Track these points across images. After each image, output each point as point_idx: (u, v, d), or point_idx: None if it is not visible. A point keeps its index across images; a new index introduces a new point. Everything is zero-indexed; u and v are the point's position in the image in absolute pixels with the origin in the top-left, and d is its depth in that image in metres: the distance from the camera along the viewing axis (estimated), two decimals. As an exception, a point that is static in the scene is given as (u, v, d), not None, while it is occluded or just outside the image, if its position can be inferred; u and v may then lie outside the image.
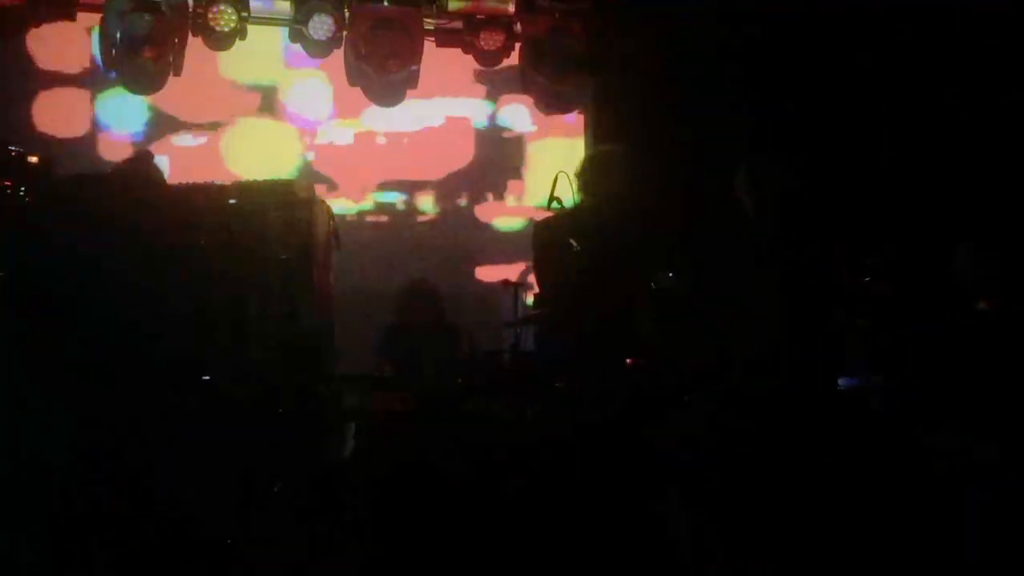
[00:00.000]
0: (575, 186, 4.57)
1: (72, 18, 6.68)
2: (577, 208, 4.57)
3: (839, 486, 3.11)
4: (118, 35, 6.35)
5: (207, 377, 4.04)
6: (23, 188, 4.29)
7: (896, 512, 3.25)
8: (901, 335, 4.00)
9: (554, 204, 5.62)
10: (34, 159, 4.45)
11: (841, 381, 4.33)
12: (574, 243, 4.36)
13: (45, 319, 3.64)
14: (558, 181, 5.69)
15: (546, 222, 4.79)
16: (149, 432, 3.79)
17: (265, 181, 4.97)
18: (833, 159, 6.12)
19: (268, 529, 4.01)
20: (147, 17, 6.29)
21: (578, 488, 3.75)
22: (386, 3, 6.75)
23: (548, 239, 4.57)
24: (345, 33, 6.80)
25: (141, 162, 3.92)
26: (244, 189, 4.88)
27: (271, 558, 3.92)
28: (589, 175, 4.53)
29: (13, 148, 4.41)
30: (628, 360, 4.11)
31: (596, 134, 7.45)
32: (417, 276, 6.50)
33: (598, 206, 4.45)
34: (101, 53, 6.63)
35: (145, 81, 6.67)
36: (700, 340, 3.72)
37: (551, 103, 7.45)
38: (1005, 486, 3.34)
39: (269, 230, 4.76)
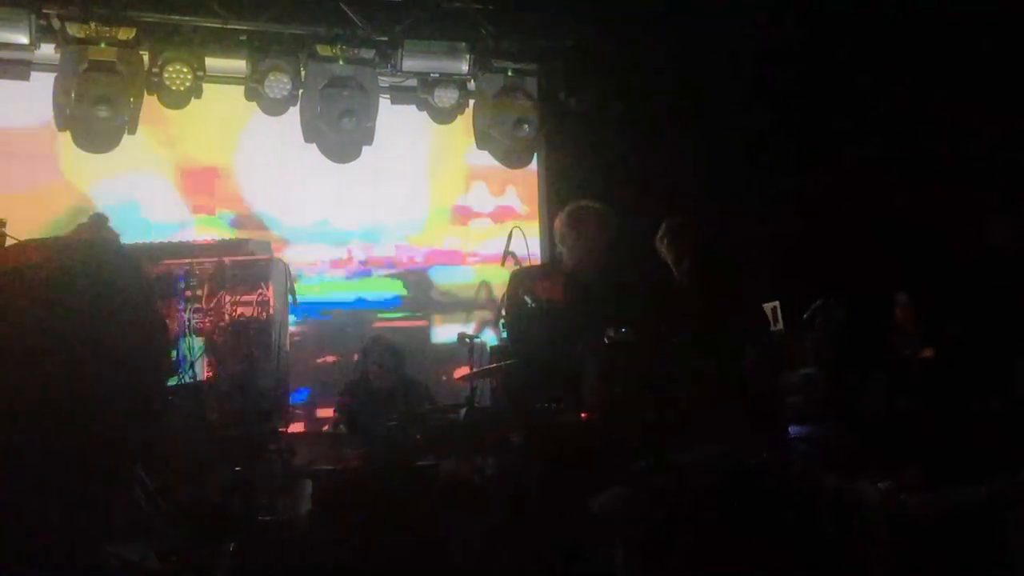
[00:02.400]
0: (558, 234, 4.63)
1: (26, 78, 6.68)
2: (553, 261, 4.62)
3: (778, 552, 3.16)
4: (72, 94, 6.37)
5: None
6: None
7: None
8: (838, 383, 4.11)
9: (509, 259, 5.74)
10: (-14, 222, 4.45)
11: (792, 429, 4.44)
12: (528, 300, 4.42)
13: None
14: (512, 236, 5.81)
15: (519, 273, 4.82)
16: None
17: (221, 241, 4.99)
18: (769, 210, 6.31)
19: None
20: (102, 76, 6.32)
21: (531, 544, 3.77)
22: (341, 62, 6.85)
23: (514, 291, 4.62)
24: (301, 91, 6.88)
25: (96, 226, 3.93)
26: (201, 249, 4.90)
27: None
28: (567, 229, 4.58)
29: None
30: (582, 415, 4.16)
31: (549, 188, 7.60)
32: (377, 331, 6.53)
33: (578, 259, 4.50)
34: (54, 111, 6.62)
35: (100, 139, 6.67)
36: (642, 396, 3.79)
37: (506, 158, 7.59)
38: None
39: (225, 290, 4.78)
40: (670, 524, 3.20)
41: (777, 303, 5.62)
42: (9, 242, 4.34)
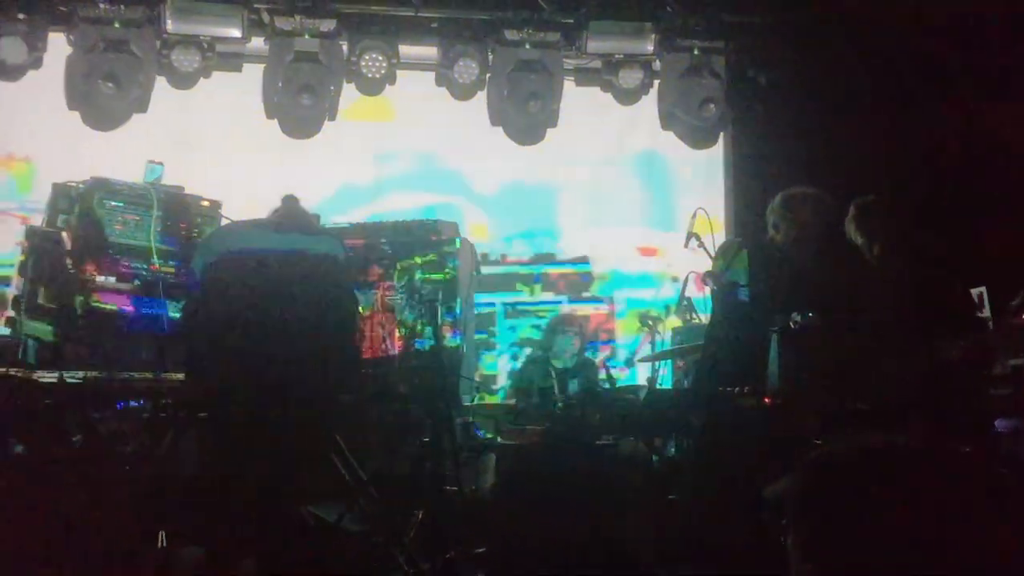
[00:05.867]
0: (767, 223, 4.55)
1: (238, 69, 7.13)
2: (762, 242, 4.55)
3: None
4: (279, 84, 6.79)
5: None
6: (196, 231, 4.68)
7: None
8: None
9: (692, 242, 5.67)
10: (205, 203, 4.84)
11: (998, 423, 4.17)
12: (711, 282, 4.37)
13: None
14: (696, 217, 5.73)
15: (724, 251, 4.76)
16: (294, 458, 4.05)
17: (413, 221, 5.21)
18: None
19: (407, 558, 4.17)
20: (305, 66, 6.71)
21: (706, 528, 3.75)
22: (527, 46, 6.95)
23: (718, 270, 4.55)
24: (488, 75, 7.05)
25: (291, 207, 4.20)
26: (393, 229, 5.13)
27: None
28: (781, 214, 4.47)
29: (188, 193, 4.81)
30: (766, 399, 4.08)
31: (737, 169, 7.44)
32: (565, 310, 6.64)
33: (789, 246, 4.40)
34: (263, 100, 7.08)
35: (304, 126, 7.09)
36: (828, 383, 3.67)
37: (692, 138, 7.49)
38: None
39: (415, 267, 5.00)
40: (844, 514, 3.09)
41: (984, 288, 5.27)
42: (223, 223, 4.71)
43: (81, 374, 4.31)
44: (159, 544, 3.84)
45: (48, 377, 4.29)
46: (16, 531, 3.77)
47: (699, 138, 7.47)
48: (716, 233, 5.22)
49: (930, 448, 3.20)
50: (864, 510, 3.00)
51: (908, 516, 2.95)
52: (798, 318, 3.96)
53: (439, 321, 4.87)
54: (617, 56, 7.11)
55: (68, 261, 4.51)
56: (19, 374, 4.30)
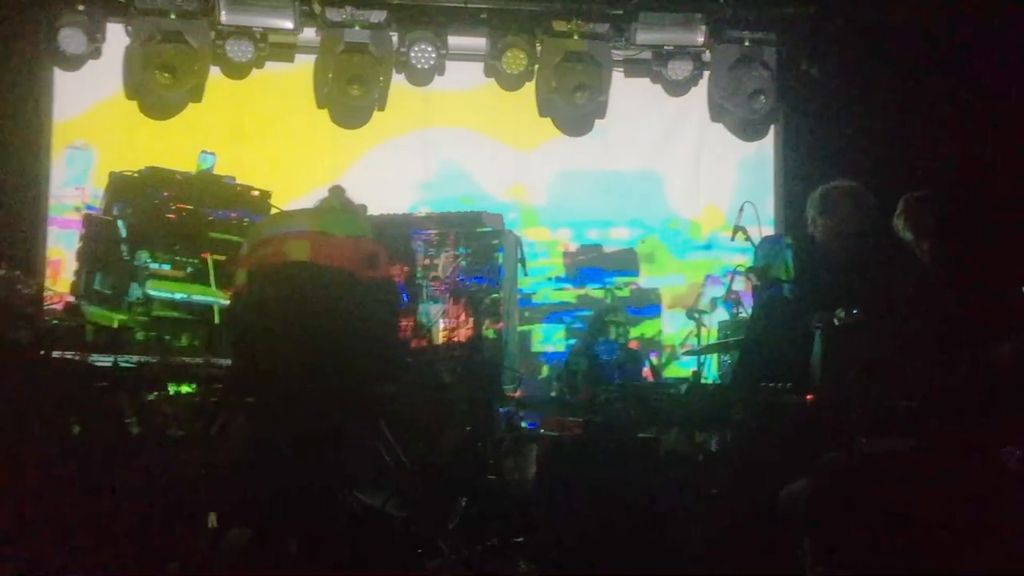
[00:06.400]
0: (809, 217, 4.51)
1: (290, 60, 7.24)
2: (803, 237, 4.51)
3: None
4: (330, 74, 6.88)
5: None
6: (246, 220, 4.78)
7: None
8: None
9: (739, 234, 5.64)
10: (256, 193, 4.95)
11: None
12: (753, 278, 4.35)
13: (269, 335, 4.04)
14: (743, 210, 5.69)
15: (763, 245, 4.71)
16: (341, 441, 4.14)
17: (456, 214, 5.27)
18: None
19: (450, 544, 4.23)
20: (356, 57, 6.78)
21: (746, 524, 3.74)
22: (576, 37, 6.95)
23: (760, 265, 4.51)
24: (536, 67, 7.06)
25: (338, 197, 4.27)
26: (437, 221, 5.20)
27: (452, 570, 4.14)
28: (818, 210, 4.43)
29: (240, 183, 4.92)
30: (808, 397, 4.05)
31: (788, 162, 7.36)
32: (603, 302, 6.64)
33: (828, 240, 4.36)
34: (315, 90, 7.18)
35: (353, 116, 7.18)
36: (872, 382, 3.62)
37: (741, 131, 7.43)
38: None
39: (459, 259, 5.06)
40: (855, 519, 3.07)
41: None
42: (272, 212, 4.81)
43: (135, 358, 4.44)
44: (209, 524, 3.95)
45: (103, 361, 4.43)
46: (72, 509, 3.91)
47: (748, 130, 7.41)
48: (763, 227, 5.19)
49: (955, 453, 3.15)
50: (876, 517, 2.97)
51: (923, 523, 2.91)
52: (842, 315, 3.92)
53: (482, 312, 4.92)
54: (666, 47, 7.08)
55: (124, 248, 4.64)
56: (76, 358, 4.45)
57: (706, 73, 7.21)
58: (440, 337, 5.13)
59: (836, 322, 3.97)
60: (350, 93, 6.89)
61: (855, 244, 4.25)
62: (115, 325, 4.57)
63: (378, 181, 7.17)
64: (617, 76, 7.21)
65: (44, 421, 4.34)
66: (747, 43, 6.99)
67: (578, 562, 4.12)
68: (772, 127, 7.42)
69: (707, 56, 7.17)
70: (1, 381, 4.40)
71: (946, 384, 3.39)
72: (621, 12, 6.98)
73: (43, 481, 4.00)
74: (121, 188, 4.80)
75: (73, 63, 6.81)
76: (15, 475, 4.02)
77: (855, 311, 3.94)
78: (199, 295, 4.69)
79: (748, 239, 5.51)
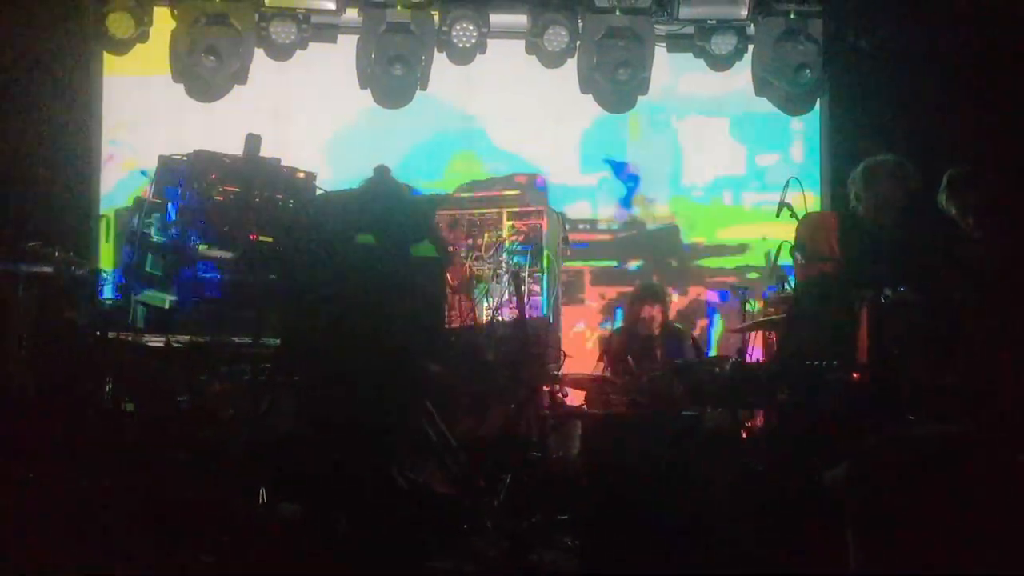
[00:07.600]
0: (851, 192, 4.46)
1: (333, 40, 7.27)
2: (847, 213, 4.46)
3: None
4: (372, 55, 6.91)
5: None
6: (292, 201, 4.85)
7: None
8: None
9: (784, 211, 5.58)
10: (301, 174, 5.01)
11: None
12: (799, 255, 4.31)
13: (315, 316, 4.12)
14: (788, 186, 5.63)
15: (807, 222, 4.66)
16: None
17: (501, 193, 5.29)
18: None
19: (495, 521, 4.28)
20: (397, 37, 6.80)
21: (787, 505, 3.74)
22: (618, 12, 6.89)
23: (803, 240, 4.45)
24: (578, 43, 7.02)
25: (382, 178, 4.32)
26: (480, 200, 5.22)
27: (497, 546, 4.20)
28: (861, 185, 4.38)
29: (285, 165, 4.98)
30: (854, 375, 4.03)
31: (833, 136, 7.25)
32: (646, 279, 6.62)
33: (872, 216, 4.31)
34: (357, 71, 7.21)
35: (395, 96, 7.20)
36: (920, 358, 3.59)
37: (786, 105, 7.34)
38: None
39: (503, 238, 5.09)
40: (904, 503, 3.04)
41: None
42: (318, 193, 4.86)
43: (186, 338, 4.54)
44: (260, 499, 4.05)
45: (156, 341, 4.54)
46: (127, 482, 4.03)
47: (794, 105, 7.30)
48: (810, 203, 5.12)
49: (995, 439, 3.10)
50: (916, 502, 2.95)
51: (960, 510, 2.88)
52: (888, 292, 3.89)
53: (525, 290, 4.95)
54: (710, 21, 6.99)
55: (174, 230, 4.74)
56: (129, 338, 4.56)
57: (750, 47, 7.11)
58: (484, 316, 5.18)
59: (883, 300, 3.93)
60: (392, 73, 6.92)
61: (898, 219, 4.20)
62: (166, 306, 4.67)
63: (421, 160, 7.22)
64: (659, 51, 7.14)
65: (99, 399, 4.47)
66: (792, 15, 6.87)
67: (621, 539, 4.15)
68: (818, 100, 7.30)
69: (751, 30, 7.07)
70: (58, 360, 4.54)
71: (997, 364, 3.35)
72: (664, -14, 6.91)
73: (98, 457, 4.13)
74: (170, 171, 4.88)
75: (121, 47, 6.91)
76: (71, 453, 4.15)
77: (902, 288, 3.91)
78: (247, 276, 4.77)
79: (793, 215, 5.45)
